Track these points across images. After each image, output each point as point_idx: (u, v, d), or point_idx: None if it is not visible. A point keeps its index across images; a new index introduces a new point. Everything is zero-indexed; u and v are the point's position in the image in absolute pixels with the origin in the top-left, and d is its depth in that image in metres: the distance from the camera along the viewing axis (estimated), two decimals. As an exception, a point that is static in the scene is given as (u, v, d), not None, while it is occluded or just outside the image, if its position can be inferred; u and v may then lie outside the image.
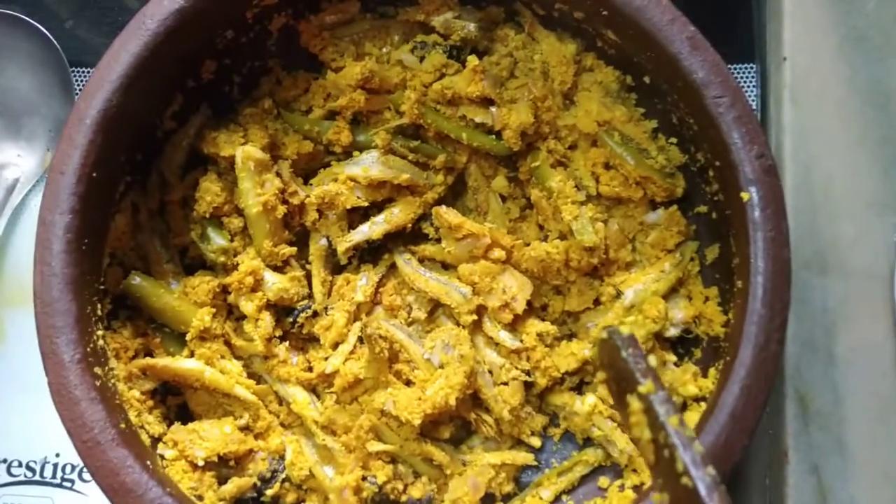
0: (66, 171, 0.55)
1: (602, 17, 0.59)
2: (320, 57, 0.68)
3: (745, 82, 0.77)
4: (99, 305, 0.58)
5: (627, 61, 0.63)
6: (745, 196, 0.54)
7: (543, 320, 0.67)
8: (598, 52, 0.65)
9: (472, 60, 0.64)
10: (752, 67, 0.77)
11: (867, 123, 0.73)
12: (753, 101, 0.76)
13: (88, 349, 0.54)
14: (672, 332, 0.63)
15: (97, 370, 0.54)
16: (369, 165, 0.65)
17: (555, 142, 0.66)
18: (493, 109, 0.65)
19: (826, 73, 0.73)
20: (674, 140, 0.64)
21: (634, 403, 0.40)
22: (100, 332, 0.57)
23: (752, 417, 0.50)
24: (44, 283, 0.53)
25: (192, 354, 0.63)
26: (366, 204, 0.66)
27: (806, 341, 0.69)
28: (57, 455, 0.74)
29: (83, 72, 0.82)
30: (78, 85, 0.81)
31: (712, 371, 0.60)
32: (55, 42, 0.80)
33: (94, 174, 0.56)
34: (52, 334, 0.53)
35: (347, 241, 0.66)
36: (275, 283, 0.64)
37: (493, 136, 0.66)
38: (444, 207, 0.66)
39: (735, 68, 0.77)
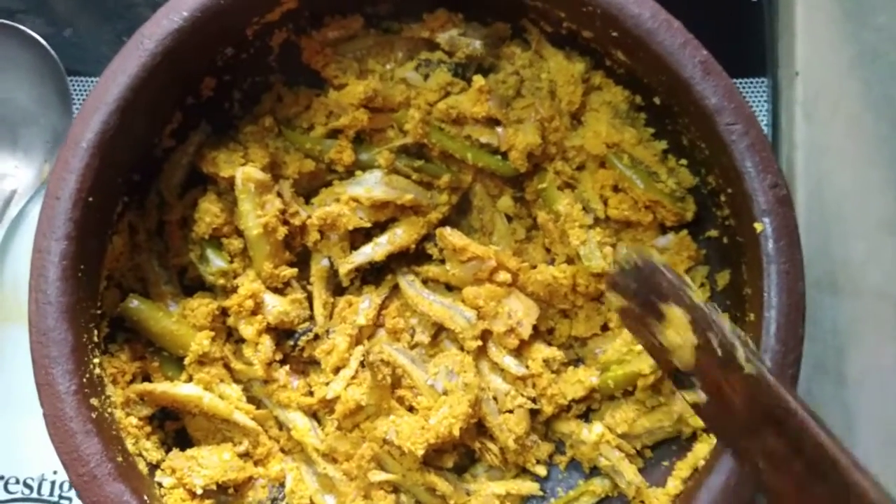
0: (62, 197, 0.53)
1: (611, 39, 0.58)
2: (322, 74, 0.67)
3: (756, 97, 0.75)
4: (95, 331, 0.57)
5: (637, 81, 0.61)
6: (758, 227, 0.52)
7: (550, 344, 0.65)
8: (606, 70, 0.64)
9: (478, 80, 0.63)
10: (763, 82, 0.75)
11: (880, 140, 0.71)
12: (765, 115, 0.75)
13: (85, 379, 0.53)
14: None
15: (93, 401, 0.53)
16: (372, 186, 0.64)
17: (562, 163, 0.64)
18: (499, 130, 0.64)
19: (839, 88, 0.72)
20: (684, 162, 0.63)
21: (675, 313, 0.44)
22: (96, 360, 0.56)
23: (765, 457, 0.49)
24: (39, 311, 0.52)
25: (190, 379, 0.62)
26: (368, 225, 0.65)
27: (817, 363, 0.68)
28: (54, 472, 0.73)
29: (82, 80, 0.80)
30: (76, 94, 0.80)
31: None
32: (52, 52, 0.78)
33: (91, 198, 0.54)
34: (48, 364, 0.51)
35: (349, 262, 0.65)
36: (275, 306, 0.63)
37: (499, 157, 0.65)
38: (448, 229, 0.64)
39: (746, 82, 0.75)
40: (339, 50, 0.67)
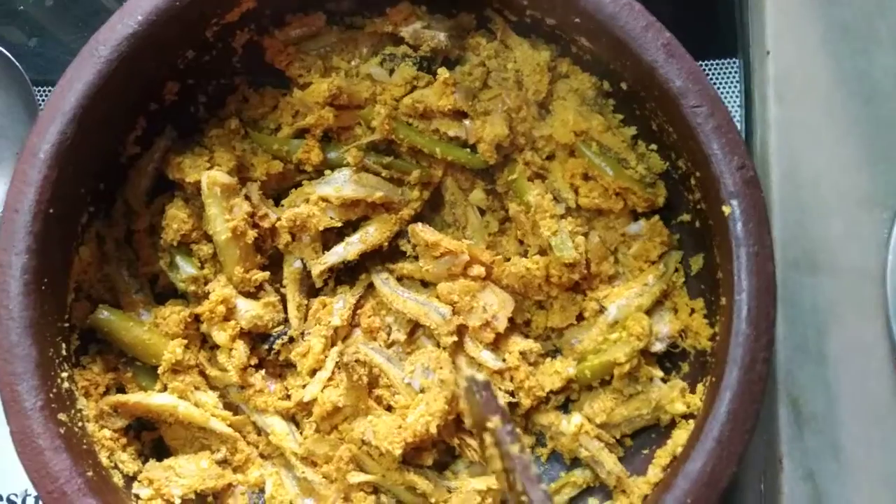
0: (21, 209, 0.53)
1: (574, 25, 0.57)
2: (287, 73, 0.66)
3: (728, 77, 0.75)
4: (63, 345, 0.56)
5: (604, 67, 0.61)
6: (726, 210, 0.52)
7: (527, 336, 0.65)
8: (573, 57, 0.63)
9: (443, 73, 0.62)
10: (734, 62, 0.75)
11: (853, 117, 0.70)
12: (737, 96, 0.74)
13: (52, 394, 0.52)
14: (658, 346, 0.61)
15: (61, 416, 0.52)
16: (342, 185, 0.63)
17: (531, 153, 0.64)
18: (467, 122, 0.63)
19: (810, 66, 0.71)
20: (654, 147, 0.62)
21: (487, 439, 0.44)
22: (64, 375, 0.55)
23: (740, 442, 0.48)
24: (1, 327, 0.51)
25: (164, 388, 0.61)
26: (339, 224, 0.64)
27: (797, 344, 0.67)
28: (38, 487, 0.73)
29: (48, 90, 0.80)
30: (42, 106, 0.79)
31: (700, 387, 0.58)
32: (17, 64, 0.77)
33: (52, 210, 0.54)
34: (13, 381, 0.51)
35: (322, 263, 0.64)
36: (248, 310, 0.62)
37: (468, 150, 0.64)
38: (420, 225, 0.64)
39: (718, 63, 0.75)
40: (303, 48, 0.66)
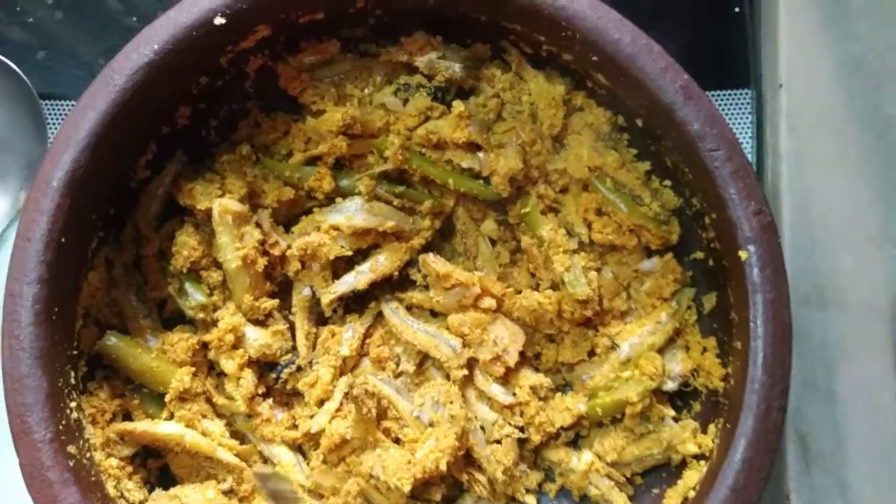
0: (34, 238, 0.52)
1: (592, 62, 0.57)
2: (300, 100, 0.66)
3: (740, 109, 0.74)
4: (72, 373, 0.56)
5: (619, 103, 0.61)
6: (743, 255, 0.51)
7: (537, 370, 0.65)
8: (588, 91, 0.63)
9: (458, 106, 0.62)
10: (747, 93, 0.74)
11: (866, 152, 0.70)
12: (749, 128, 0.74)
13: (61, 426, 0.52)
14: (670, 385, 0.61)
15: (70, 448, 0.52)
16: (353, 213, 0.63)
17: (545, 186, 0.63)
18: (481, 155, 0.63)
19: (823, 100, 0.71)
20: (668, 183, 0.62)
21: None
22: (73, 404, 0.54)
23: (755, 490, 0.48)
24: (12, 357, 0.51)
25: (171, 416, 0.61)
26: (350, 253, 0.64)
27: (806, 380, 0.67)
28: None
29: (56, 104, 0.79)
30: (51, 118, 0.78)
31: (712, 427, 0.58)
32: (25, 78, 0.77)
33: (63, 239, 0.53)
34: (23, 412, 0.50)
35: (332, 292, 0.64)
36: (256, 339, 0.62)
37: (481, 182, 0.64)
38: (431, 255, 0.63)
39: (730, 94, 0.74)
40: (316, 75, 0.66)
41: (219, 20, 0.56)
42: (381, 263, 0.64)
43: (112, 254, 0.62)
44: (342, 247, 0.63)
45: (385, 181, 0.64)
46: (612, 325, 0.63)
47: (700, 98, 0.53)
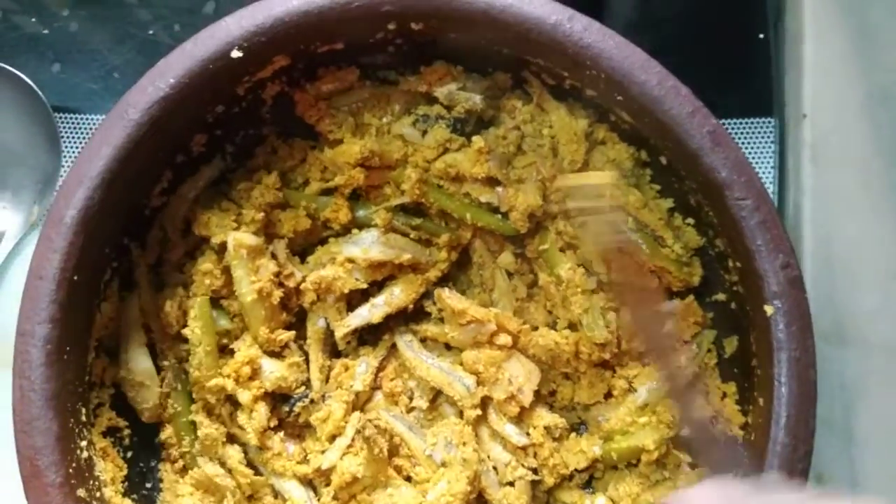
0: (45, 277, 0.51)
1: (616, 101, 0.56)
2: (317, 128, 0.65)
3: (763, 138, 0.73)
4: (83, 410, 0.55)
5: (643, 140, 0.59)
6: (769, 310, 0.50)
7: (552, 407, 0.64)
8: (611, 125, 0.61)
9: (478, 142, 0.60)
10: (770, 122, 0.73)
11: (891, 186, 0.69)
12: (771, 157, 0.72)
13: (71, 469, 0.51)
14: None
15: (80, 492, 0.51)
16: (369, 246, 0.62)
17: (564, 223, 0.62)
18: (500, 190, 0.62)
19: (848, 131, 0.69)
20: (691, 221, 0.60)
21: None
22: (83, 443, 0.54)
23: (775, 555, 0.47)
24: (23, 399, 0.50)
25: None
26: (365, 286, 0.63)
27: (823, 418, 0.65)
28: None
29: (70, 118, 0.78)
30: (65, 132, 0.77)
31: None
32: (39, 92, 0.76)
33: (76, 277, 0.53)
34: (33, 456, 0.50)
35: (346, 326, 0.63)
36: (273, 371, 0.61)
37: (499, 217, 0.63)
38: (446, 291, 0.63)
39: (753, 122, 0.73)
40: (334, 103, 0.64)
41: (236, 53, 0.55)
42: (397, 296, 0.63)
43: (136, 257, 0.61)
44: (357, 279, 0.62)
45: (402, 213, 0.63)
46: (630, 366, 0.62)
47: (728, 144, 0.52)
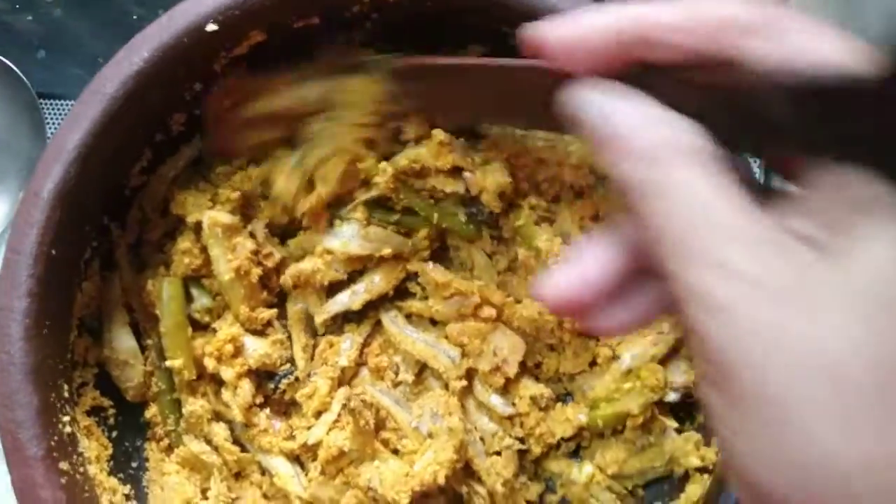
0: (23, 252, 0.51)
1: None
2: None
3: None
4: (65, 386, 0.55)
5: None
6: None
7: (538, 379, 0.63)
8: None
9: (438, 135, 0.60)
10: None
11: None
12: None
13: (53, 442, 0.51)
14: (672, 396, 0.59)
15: (63, 465, 0.51)
16: (349, 239, 0.62)
17: (536, 198, 0.62)
18: (467, 175, 0.61)
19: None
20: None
21: None
22: (66, 418, 0.54)
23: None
24: (3, 373, 0.50)
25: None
26: (344, 277, 0.63)
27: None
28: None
29: (55, 104, 0.79)
30: (50, 118, 0.78)
31: (715, 440, 0.57)
32: (24, 78, 0.76)
33: (54, 252, 0.52)
34: (14, 429, 0.50)
35: (325, 312, 0.63)
36: (256, 349, 0.61)
37: (463, 220, 0.63)
38: (430, 265, 0.62)
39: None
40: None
41: (210, 26, 0.54)
42: (377, 283, 0.63)
43: (116, 238, 0.61)
44: (336, 271, 0.62)
45: (378, 210, 0.63)
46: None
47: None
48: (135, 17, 0.81)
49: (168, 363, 0.60)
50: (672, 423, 0.59)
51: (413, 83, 0.55)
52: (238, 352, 0.61)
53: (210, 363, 0.61)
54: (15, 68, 0.76)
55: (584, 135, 0.35)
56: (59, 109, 0.79)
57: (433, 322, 0.65)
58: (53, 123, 0.78)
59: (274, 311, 0.63)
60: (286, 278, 0.62)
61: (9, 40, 0.80)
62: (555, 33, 0.35)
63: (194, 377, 0.61)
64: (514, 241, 0.64)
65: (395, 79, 0.55)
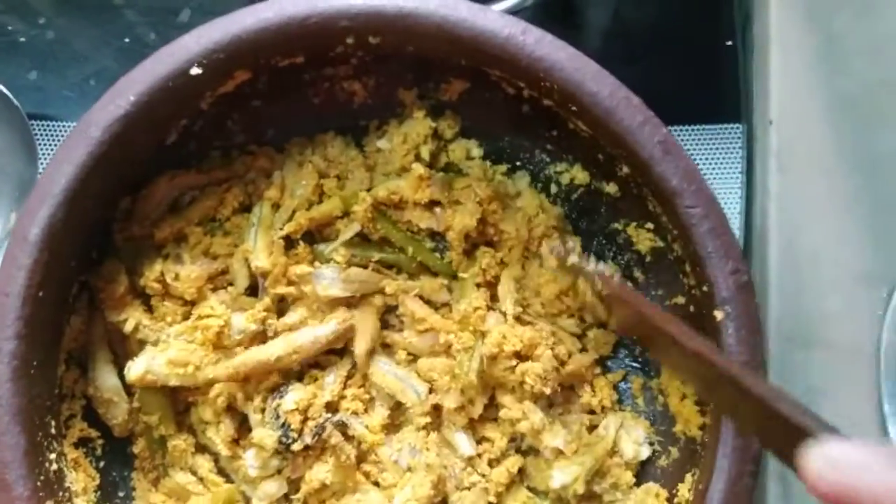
0: (11, 294, 0.52)
1: (572, 112, 0.56)
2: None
3: (731, 143, 0.73)
4: (52, 423, 0.56)
5: (601, 147, 0.60)
6: (718, 315, 0.51)
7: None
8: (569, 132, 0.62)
9: (417, 169, 0.62)
10: (738, 128, 0.73)
11: (856, 191, 0.69)
12: (739, 163, 0.73)
13: (39, 482, 0.52)
14: (645, 453, 0.62)
15: (49, 503, 0.52)
16: (329, 283, 0.62)
17: (490, 257, 0.64)
18: (438, 210, 0.63)
19: (813, 138, 0.69)
20: (650, 226, 0.61)
21: None
22: (52, 456, 0.55)
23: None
24: (-10, 414, 0.51)
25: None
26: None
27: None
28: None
29: (47, 125, 0.79)
30: (42, 140, 0.78)
31: (688, 477, 0.58)
32: (15, 100, 0.77)
33: (42, 293, 0.53)
34: (1, 470, 0.51)
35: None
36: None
37: (438, 255, 0.64)
38: (410, 296, 0.63)
39: (721, 128, 0.73)
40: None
41: (195, 70, 0.55)
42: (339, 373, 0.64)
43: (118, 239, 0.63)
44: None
45: (359, 246, 0.64)
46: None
47: (678, 153, 0.53)
48: (126, 39, 0.81)
49: (144, 418, 0.62)
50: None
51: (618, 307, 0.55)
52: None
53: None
54: (6, 90, 0.77)
55: None
56: (50, 130, 0.79)
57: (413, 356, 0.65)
58: (45, 144, 0.78)
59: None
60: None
61: (1, 61, 0.80)
62: (829, 479, 0.33)
63: (172, 432, 0.62)
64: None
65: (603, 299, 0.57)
